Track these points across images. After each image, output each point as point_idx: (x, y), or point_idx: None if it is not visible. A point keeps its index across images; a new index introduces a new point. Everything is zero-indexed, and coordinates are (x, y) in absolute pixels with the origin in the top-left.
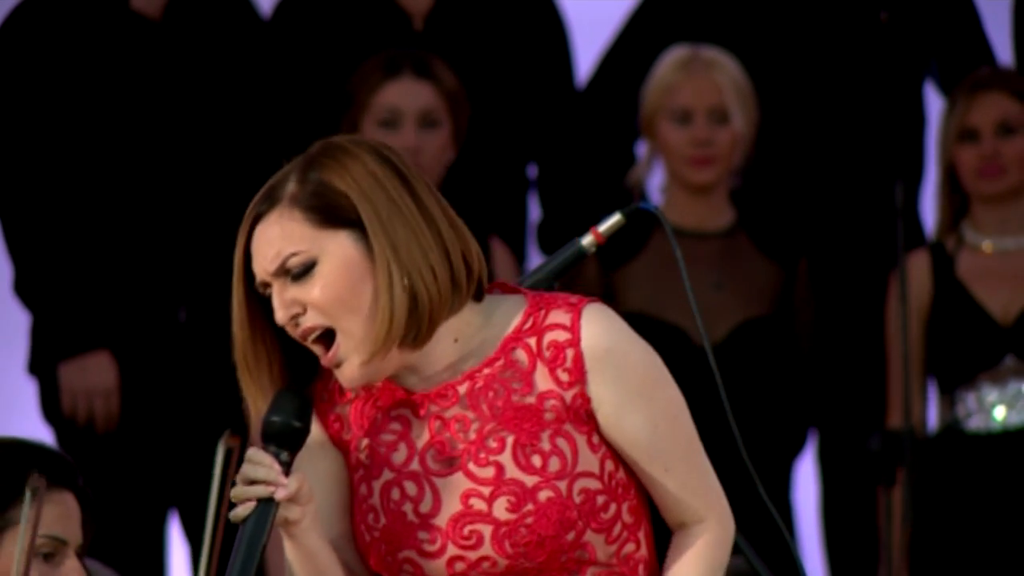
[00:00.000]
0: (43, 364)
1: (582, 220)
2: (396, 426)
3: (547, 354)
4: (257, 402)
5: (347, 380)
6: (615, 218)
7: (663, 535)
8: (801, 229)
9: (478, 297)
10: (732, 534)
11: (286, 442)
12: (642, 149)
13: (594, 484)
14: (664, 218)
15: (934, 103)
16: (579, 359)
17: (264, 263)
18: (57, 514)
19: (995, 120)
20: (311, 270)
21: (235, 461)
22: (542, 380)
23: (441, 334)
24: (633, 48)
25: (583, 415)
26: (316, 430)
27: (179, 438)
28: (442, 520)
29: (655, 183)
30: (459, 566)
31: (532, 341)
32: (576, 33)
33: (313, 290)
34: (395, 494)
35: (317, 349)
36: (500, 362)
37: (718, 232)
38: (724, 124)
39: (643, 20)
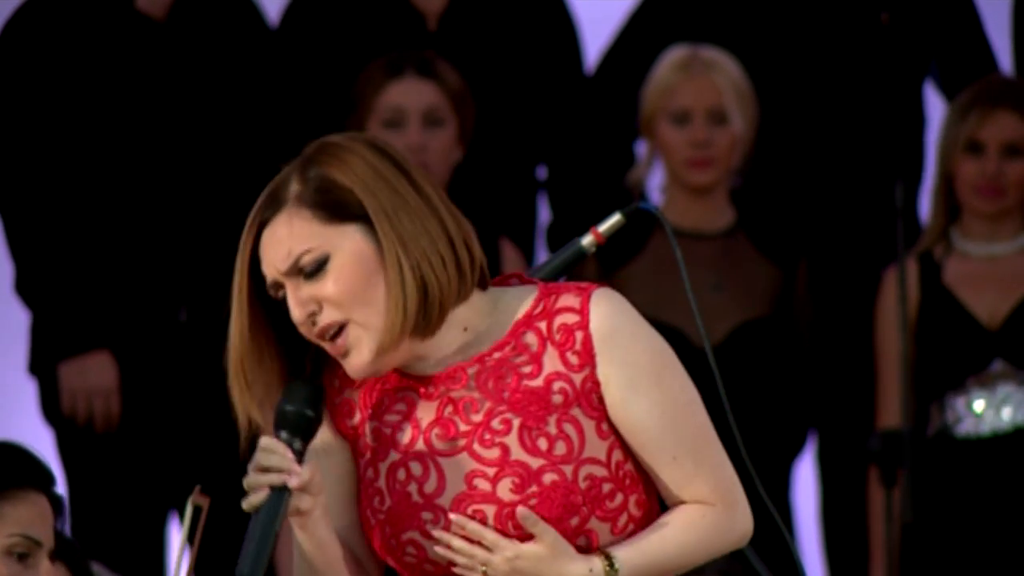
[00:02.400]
0: (43, 364)
1: (591, 221)
2: (401, 406)
3: (557, 337)
4: (251, 411)
5: (355, 371)
6: (615, 218)
7: None
8: (800, 230)
9: (483, 285)
10: (740, 530)
11: (299, 431)
12: (642, 149)
13: (600, 471)
14: (664, 219)
15: (934, 104)
16: (588, 341)
17: (276, 263)
18: (32, 515)
19: (1004, 140)
20: (324, 266)
21: (203, 521)
22: (551, 363)
23: (450, 322)
24: (633, 48)
25: (594, 400)
26: (324, 421)
27: (179, 439)
28: (446, 500)
29: (655, 183)
30: None
31: (543, 325)
32: (586, 33)
33: (327, 285)
34: (401, 475)
35: (327, 345)
36: (510, 346)
37: (717, 233)
38: (723, 125)
39: (643, 20)
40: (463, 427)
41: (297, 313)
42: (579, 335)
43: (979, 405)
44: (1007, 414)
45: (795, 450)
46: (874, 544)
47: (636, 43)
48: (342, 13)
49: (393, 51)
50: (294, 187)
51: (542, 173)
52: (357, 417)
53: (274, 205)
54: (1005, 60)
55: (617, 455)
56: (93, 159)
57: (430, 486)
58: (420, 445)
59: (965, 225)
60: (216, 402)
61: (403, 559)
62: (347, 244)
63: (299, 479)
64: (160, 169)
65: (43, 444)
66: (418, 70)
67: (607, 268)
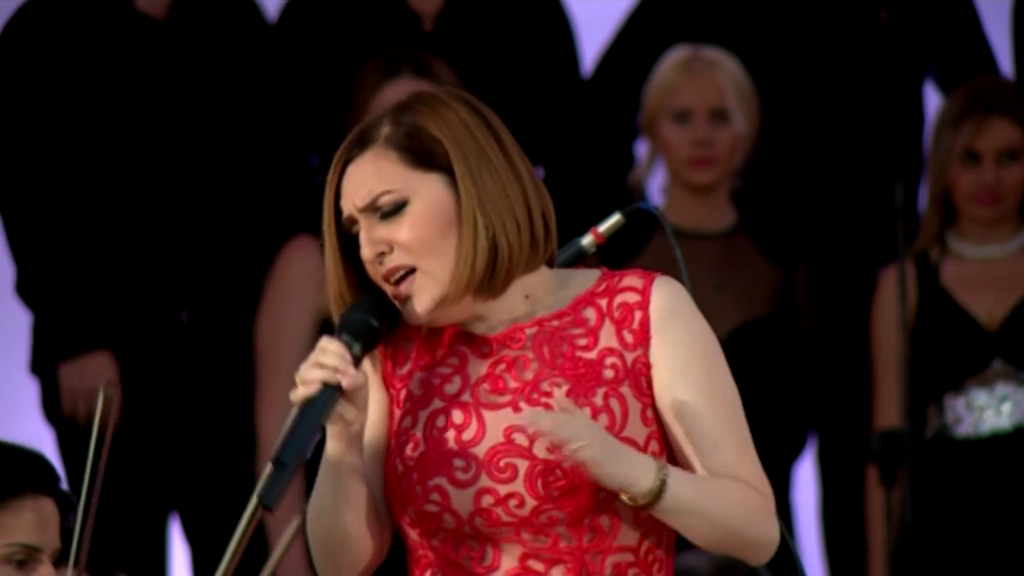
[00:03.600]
0: (44, 364)
1: (587, 222)
2: (454, 360)
3: (616, 314)
4: None
5: (413, 317)
6: (615, 218)
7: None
8: (801, 230)
9: (550, 263)
10: (771, 533)
11: (360, 337)
12: (642, 149)
13: None
14: (664, 219)
15: (934, 103)
16: (646, 321)
17: (355, 199)
18: (32, 521)
19: (1000, 147)
20: (401, 209)
21: (113, 409)
22: (607, 338)
23: (514, 287)
24: (631, 48)
25: (643, 384)
26: (372, 369)
27: (181, 439)
28: (481, 449)
29: (656, 183)
30: (487, 500)
31: (603, 302)
32: (582, 32)
33: (401, 230)
34: (440, 421)
35: (390, 288)
36: (569, 317)
37: (719, 233)
38: (724, 124)
39: (642, 20)
40: (512, 384)
41: (367, 251)
42: (638, 314)
43: (979, 405)
44: (1007, 414)
45: (795, 450)
46: (873, 544)
47: (634, 44)
48: (338, 14)
49: (389, 52)
50: (385, 129)
51: (539, 174)
52: (407, 367)
53: (362, 144)
54: (1005, 60)
55: (654, 446)
56: (93, 159)
57: (468, 434)
58: (466, 396)
59: (961, 228)
60: (217, 402)
61: (423, 508)
62: (428, 192)
63: (352, 380)
64: (161, 169)
65: (44, 444)
66: (414, 70)
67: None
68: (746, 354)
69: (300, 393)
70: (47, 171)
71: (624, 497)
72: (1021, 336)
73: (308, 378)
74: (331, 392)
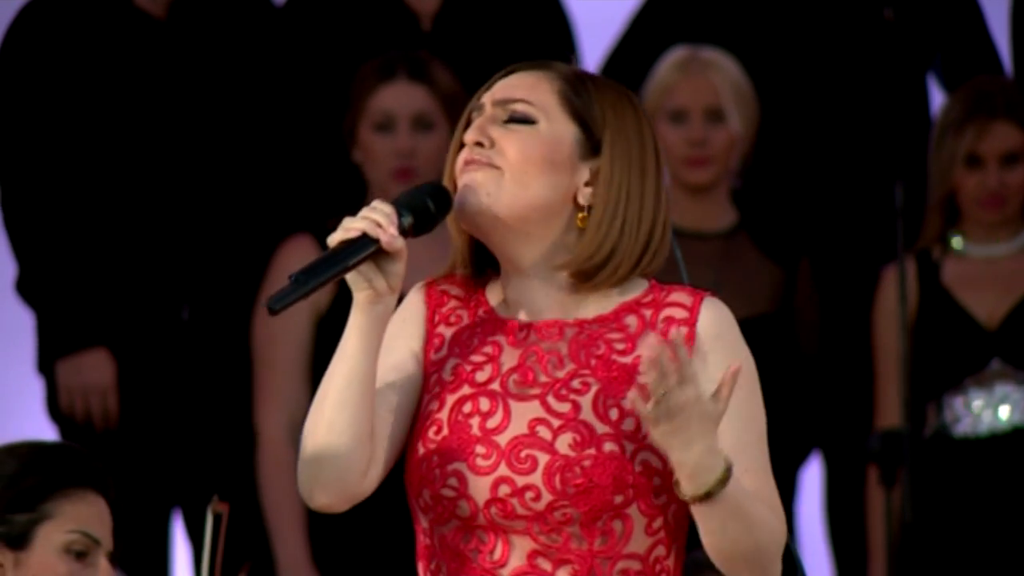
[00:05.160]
0: (49, 363)
1: None
2: (488, 349)
3: (660, 327)
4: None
5: (460, 205)
6: None
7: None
8: (802, 229)
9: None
10: (779, 565)
11: (413, 211)
12: None
13: (656, 462)
14: None
15: (937, 102)
16: (690, 338)
17: (496, 91)
18: (93, 514)
19: (1002, 151)
20: (525, 123)
21: (224, 527)
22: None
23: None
24: (635, 50)
25: None
26: (417, 337)
27: (183, 437)
28: (504, 439)
29: None
30: (503, 489)
31: (648, 313)
32: (582, 33)
33: (513, 140)
34: (467, 407)
35: (462, 167)
36: (611, 322)
37: (719, 232)
38: (720, 124)
39: (646, 21)
40: (543, 378)
41: (471, 134)
42: (683, 330)
43: (977, 405)
44: (1005, 414)
45: (797, 449)
46: (874, 544)
47: (638, 46)
48: (337, 13)
49: (387, 52)
50: (567, 69)
51: None
52: (443, 352)
53: (539, 65)
54: (1005, 60)
55: None
56: (94, 157)
57: (493, 422)
58: (495, 385)
59: (965, 229)
60: (218, 400)
61: (440, 492)
62: (558, 128)
63: (391, 240)
64: (161, 167)
65: None
66: (410, 73)
67: None
68: None
69: (338, 236)
70: (48, 168)
71: (682, 481)
72: (1020, 336)
73: (350, 226)
74: (368, 243)
